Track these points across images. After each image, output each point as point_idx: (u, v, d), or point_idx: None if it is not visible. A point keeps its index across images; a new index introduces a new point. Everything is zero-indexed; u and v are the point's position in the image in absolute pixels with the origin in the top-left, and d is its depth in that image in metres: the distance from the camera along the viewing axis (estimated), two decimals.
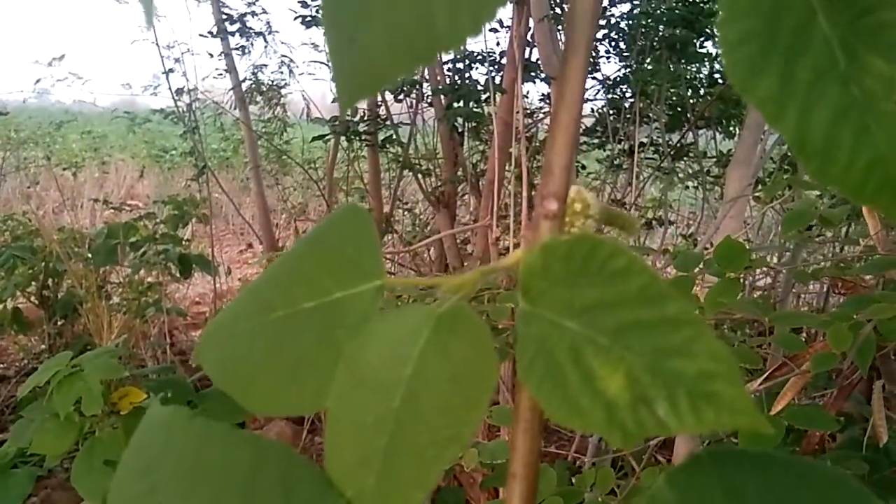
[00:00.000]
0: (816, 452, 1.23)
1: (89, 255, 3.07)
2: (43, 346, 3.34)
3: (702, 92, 3.76)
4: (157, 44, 3.36)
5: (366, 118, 3.39)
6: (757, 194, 1.59)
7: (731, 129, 3.80)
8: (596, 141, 3.78)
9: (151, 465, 0.24)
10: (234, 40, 3.59)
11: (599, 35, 3.38)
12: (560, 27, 2.95)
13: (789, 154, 3.14)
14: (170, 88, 3.37)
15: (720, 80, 3.54)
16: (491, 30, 3.60)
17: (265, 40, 3.59)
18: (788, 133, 0.24)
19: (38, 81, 3.85)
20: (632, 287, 0.22)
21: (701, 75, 3.78)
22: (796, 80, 0.23)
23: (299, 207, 4.64)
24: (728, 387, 0.21)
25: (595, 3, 0.25)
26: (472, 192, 3.54)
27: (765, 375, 1.02)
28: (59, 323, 3.24)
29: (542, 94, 3.73)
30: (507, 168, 2.89)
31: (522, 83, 3.19)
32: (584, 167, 3.78)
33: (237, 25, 3.49)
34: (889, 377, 0.96)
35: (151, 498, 0.23)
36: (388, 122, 3.44)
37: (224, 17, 3.50)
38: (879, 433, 1.07)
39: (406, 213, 4.08)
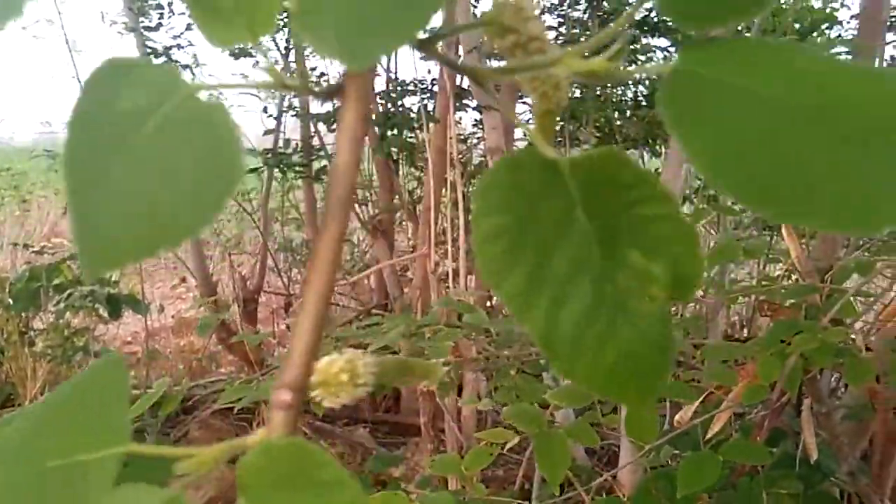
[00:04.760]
0: (752, 471, 1.27)
1: (10, 301, 2.92)
2: None
3: (628, 114, 3.88)
4: (77, 78, 3.25)
5: (299, 149, 3.35)
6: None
7: (658, 148, 3.94)
8: None
9: None
10: None
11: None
12: (490, 58, 3.00)
13: None
14: None
15: (644, 103, 3.66)
16: (422, 58, 3.63)
17: (192, 73, 3.52)
18: (534, 330, 0.23)
19: None
20: (336, 500, 0.22)
21: (626, 98, 3.91)
22: (547, 276, 0.23)
23: (234, 240, 4.54)
24: None
25: (354, 170, 0.26)
26: (409, 219, 3.54)
27: (695, 404, 1.05)
28: None
29: (475, 120, 3.78)
30: (443, 194, 2.91)
31: (455, 111, 3.22)
32: None
33: (163, 59, 3.41)
34: (816, 397, 1.00)
35: None
36: (321, 152, 3.42)
37: (148, 50, 3.42)
38: (810, 450, 1.11)
39: (344, 242, 4.04)
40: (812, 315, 0.93)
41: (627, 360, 0.23)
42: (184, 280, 5.41)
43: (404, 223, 3.67)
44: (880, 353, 0.94)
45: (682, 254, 0.24)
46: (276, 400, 0.25)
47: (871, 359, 0.91)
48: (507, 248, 0.23)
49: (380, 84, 3.54)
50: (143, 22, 3.42)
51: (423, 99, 3.49)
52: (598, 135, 3.79)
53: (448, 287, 2.62)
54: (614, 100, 3.79)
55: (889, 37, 3.10)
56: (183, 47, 3.45)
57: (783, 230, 1.22)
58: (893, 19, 3.08)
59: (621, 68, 0.26)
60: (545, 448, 0.80)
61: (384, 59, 3.69)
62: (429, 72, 3.65)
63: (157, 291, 5.22)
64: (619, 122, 3.75)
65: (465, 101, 3.35)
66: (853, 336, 1.03)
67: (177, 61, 3.45)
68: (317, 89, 0.30)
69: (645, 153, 3.97)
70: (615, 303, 0.23)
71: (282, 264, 3.97)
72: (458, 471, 0.94)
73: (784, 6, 3.45)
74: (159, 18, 3.39)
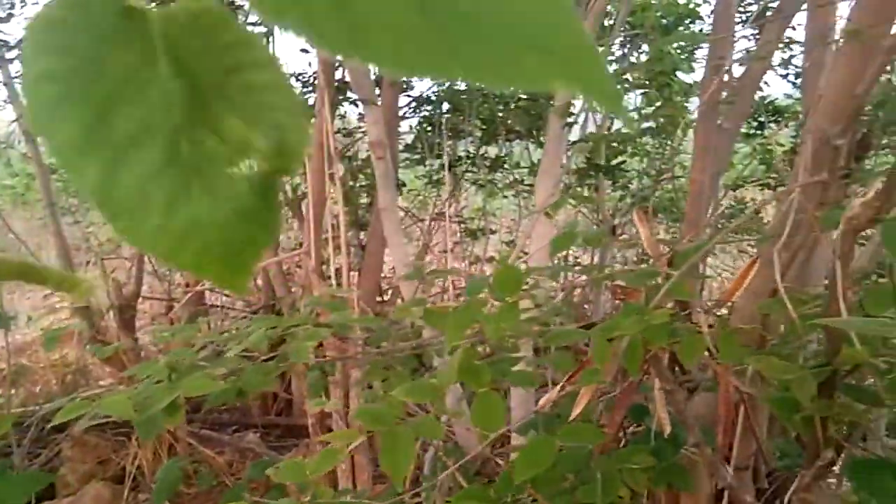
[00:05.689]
0: (615, 445, 1.32)
1: None
2: None
3: (512, 106, 3.95)
4: None
5: None
6: (548, 212, 1.69)
7: (542, 139, 4.04)
8: (417, 157, 3.85)
9: None
10: (16, 67, 3.25)
11: None
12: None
13: (586, 163, 3.41)
14: None
15: (524, 96, 3.74)
16: (302, 50, 3.55)
17: None
18: (89, 188, 0.22)
19: None
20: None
21: (510, 90, 3.98)
22: (110, 131, 0.22)
23: (111, 245, 4.29)
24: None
25: None
26: (294, 215, 3.47)
27: (557, 388, 1.08)
28: None
29: (359, 114, 3.74)
30: (329, 189, 2.86)
31: (336, 104, 3.17)
32: (404, 184, 3.83)
33: (16, 52, 3.16)
34: (660, 375, 1.05)
35: None
36: None
37: (1, 43, 3.16)
38: (662, 425, 1.17)
39: None
40: (651, 297, 0.98)
41: (205, 228, 0.22)
42: None
43: (290, 220, 3.59)
44: (715, 331, 0.99)
45: (287, 123, 0.23)
46: None
47: (701, 337, 0.96)
48: (61, 95, 0.21)
49: None
50: None
51: (304, 93, 3.41)
52: (482, 126, 3.84)
53: (332, 284, 2.58)
54: (497, 92, 3.85)
55: (747, 31, 3.31)
56: None
57: (634, 216, 1.27)
58: (748, 15, 3.29)
59: None
60: (389, 445, 0.80)
61: None
62: (309, 64, 3.58)
63: (27, 302, 4.88)
64: (501, 115, 3.81)
65: (349, 95, 3.30)
66: (693, 315, 1.09)
67: None
68: None
69: (530, 144, 4.06)
70: (192, 168, 0.22)
71: (162, 268, 3.79)
72: (302, 476, 0.93)
73: (652, 1, 3.61)
74: (10, 9, 3.15)
